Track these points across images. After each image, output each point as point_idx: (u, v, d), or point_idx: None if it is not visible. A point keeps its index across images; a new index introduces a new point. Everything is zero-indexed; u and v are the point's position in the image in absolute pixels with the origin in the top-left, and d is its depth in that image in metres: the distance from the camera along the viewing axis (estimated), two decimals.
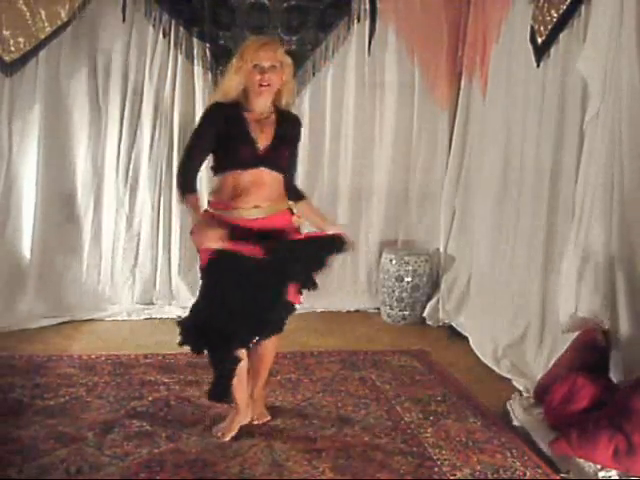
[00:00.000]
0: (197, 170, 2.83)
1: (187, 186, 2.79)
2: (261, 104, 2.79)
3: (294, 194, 2.95)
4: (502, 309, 4.01)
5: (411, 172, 4.95)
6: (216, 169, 2.82)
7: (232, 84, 2.79)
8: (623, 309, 3.02)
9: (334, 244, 2.82)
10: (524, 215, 3.86)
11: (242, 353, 2.80)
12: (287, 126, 2.85)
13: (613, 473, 2.56)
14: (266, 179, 2.76)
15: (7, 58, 4.15)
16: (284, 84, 2.81)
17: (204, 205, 2.87)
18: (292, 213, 2.89)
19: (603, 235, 3.14)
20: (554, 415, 2.89)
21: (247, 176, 2.73)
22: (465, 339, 4.29)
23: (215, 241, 2.60)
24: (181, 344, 2.72)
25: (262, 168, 2.75)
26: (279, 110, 2.85)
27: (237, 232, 2.65)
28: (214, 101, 2.88)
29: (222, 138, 2.76)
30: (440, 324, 4.69)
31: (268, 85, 2.73)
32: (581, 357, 3.05)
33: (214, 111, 2.83)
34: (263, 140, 2.77)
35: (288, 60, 2.82)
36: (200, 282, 2.80)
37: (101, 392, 3.28)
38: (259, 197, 2.74)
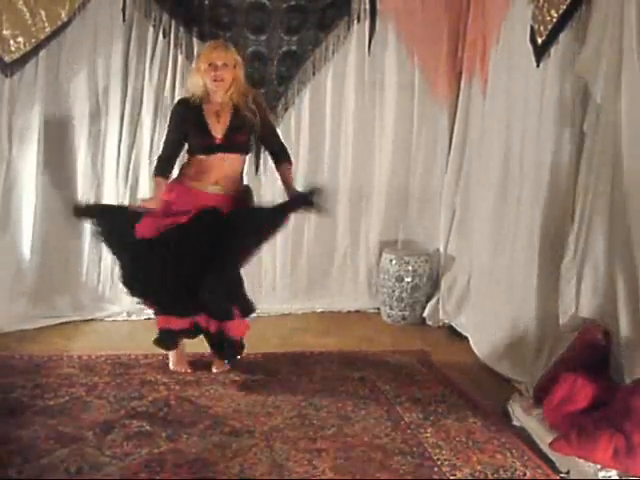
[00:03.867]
0: (173, 159, 3.47)
1: (159, 170, 3.43)
2: (218, 97, 3.37)
3: (275, 157, 3.59)
4: (502, 309, 4.00)
5: (411, 172, 4.94)
6: (188, 152, 3.47)
7: (194, 82, 3.40)
8: (623, 309, 3.01)
9: (300, 201, 3.39)
10: (524, 215, 3.86)
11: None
12: (243, 113, 3.38)
13: (613, 473, 2.56)
14: (225, 161, 3.36)
15: (7, 58, 4.14)
16: (235, 80, 3.36)
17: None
18: (248, 196, 3.53)
19: (603, 235, 3.14)
20: (554, 415, 2.89)
21: (209, 159, 3.35)
22: (465, 339, 4.29)
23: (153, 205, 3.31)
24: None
25: (220, 153, 3.34)
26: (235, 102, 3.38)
27: (198, 200, 3.35)
28: (179, 98, 3.59)
29: (187, 129, 3.38)
30: (440, 324, 4.69)
31: (221, 80, 3.31)
32: (581, 357, 3.05)
33: (178, 107, 3.48)
34: (219, 129, 3.35)
35: (239, 59, 3.40)
36: None
37: (101, 392, 3.28)
38: (218, 176, 3.36)
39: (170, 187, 3.42)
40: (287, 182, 3.51)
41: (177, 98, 4.51)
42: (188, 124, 3.37)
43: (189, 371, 3.57)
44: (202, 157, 3.36)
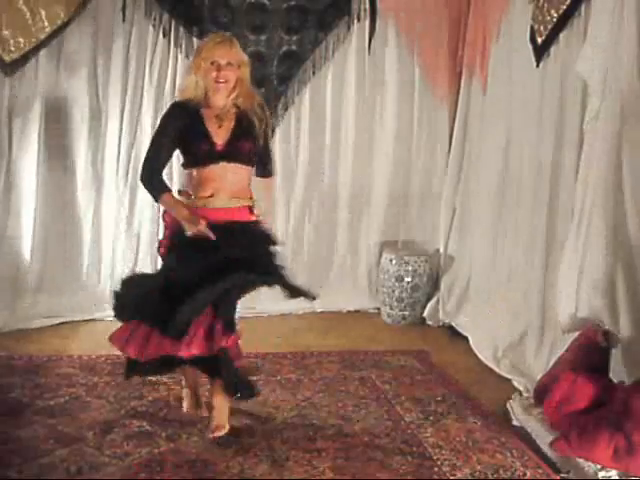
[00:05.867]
0: (162, 169, 2.93)
1: (160, 188, 2.89)
2: (220, 100, 2.87)
3: (261, 172, 3.07)
4: (502, 309, 4.01)
5: (411, 172, 4.95)
6: (184, 165, 2.95)
7: (191, 83, 2.87)
8: (623, 309, 3.02)
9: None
10: (524, 215, 3.86)
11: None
12: (248, 119, 2.89)
13: (613, 473, 2.56)
14: (228, 172, 2.85)
15: (7, 58, 4.15)
16: (240, 82, 2.86)
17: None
18: (251, 211, 2.95)
19: (603, 235, 3.14)
20: (554, 415, 2.89)
21: (209, 170, 2.83)
22: (465, 339, 4.29)
23: (204, 229, 2.75)
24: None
25: (222, 163, 2.83)
26: (240, 107, 2.91)
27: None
28: (173, 101, 3.00)
29: (183, 136, 2.86)
30: (440, 324, 4.68)
31: (225, 82, 2.82)
32: (581, 357, 3.04)
33: (173, 111, 2.92)
34: (221, 135, 2.84)
35: (245, 58, 2.90)
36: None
37: (101, 392, 3.28)
38: (220, 188, 2.84)
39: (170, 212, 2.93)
40: (263, 205, 3.04)
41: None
42: (184, 130, 2.85)
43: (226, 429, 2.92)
44: (201, 169, 2.85)
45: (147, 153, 2.95)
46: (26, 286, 4.37)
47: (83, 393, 3.26)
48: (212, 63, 2.80)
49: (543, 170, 3.67)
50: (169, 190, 2.92)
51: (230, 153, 2.84)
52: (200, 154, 2.84)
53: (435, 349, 4.16)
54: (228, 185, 2.85)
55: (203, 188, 2.85)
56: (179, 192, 2.99)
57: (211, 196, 2.84)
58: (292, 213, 4.85)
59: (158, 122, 3.01)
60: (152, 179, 2.90)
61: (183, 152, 2.92)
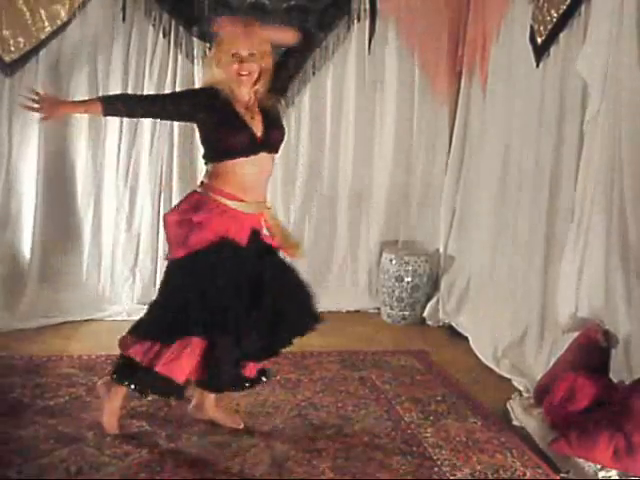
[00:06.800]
0: (130, 99, 2.89)
1: (109, 96, 2.90)
2: (244, 93, 2.75)
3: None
4: (502, 309, 4.01)
5: (411, 172, 4.95)
6: (214, 158, 2.76)
7: (214, 77, 2.76)
8: (623, 309, 3.02)
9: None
10: (524, 215, 3.87)
11: None
12: (271, 110, 2.82)
13: (613, 473, 2.57)
14: (267, 164, 2.77)
15: (7, 58, 4.15)
16: (264, 72, 2.75)
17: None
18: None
19: (603, 235, 3.15)
20: (554, 415, 2.89)
21: (251, 164, 2.70)
22: (465, 339, 4.29)
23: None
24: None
25: (262, 153, 2.73)
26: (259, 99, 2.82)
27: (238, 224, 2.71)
28: (211, 84, 2.80)
29: (215, 125, 2.72)
30: (440, 324, 4.69)
31: (248, 74, 2.70)
32: (581, 357, 3.05)
33: (207, 92, 2.77)
34: (257, 126, 2.74)
35: (268, 47, 2.76)
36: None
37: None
38: (261, 190, 2.79)
39: (195, 203, 2.74)
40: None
41: None
42: (214, 115, 2.71)
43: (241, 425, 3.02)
44: (241, 161, 2.68)
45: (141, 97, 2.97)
46: (26, 286, 4.37)
47: (83, 393, 3.26)
48: (233, 55, 2.67)
49: (543, 170, 3.67)
50: (101, 100, 2.71)
51: (267, 143, 2.75)
52: (241, 144, 2.69)
53: (435, 349, 4.16)
54: (266, 182, 2.81)
55: (244, 190, 2.71)
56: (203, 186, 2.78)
57: (253, 199, 2.74)
58: (292, 213, 4.85)
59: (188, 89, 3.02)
60: (115, 96, 2.90)
61: (216, 142, 2.75)
